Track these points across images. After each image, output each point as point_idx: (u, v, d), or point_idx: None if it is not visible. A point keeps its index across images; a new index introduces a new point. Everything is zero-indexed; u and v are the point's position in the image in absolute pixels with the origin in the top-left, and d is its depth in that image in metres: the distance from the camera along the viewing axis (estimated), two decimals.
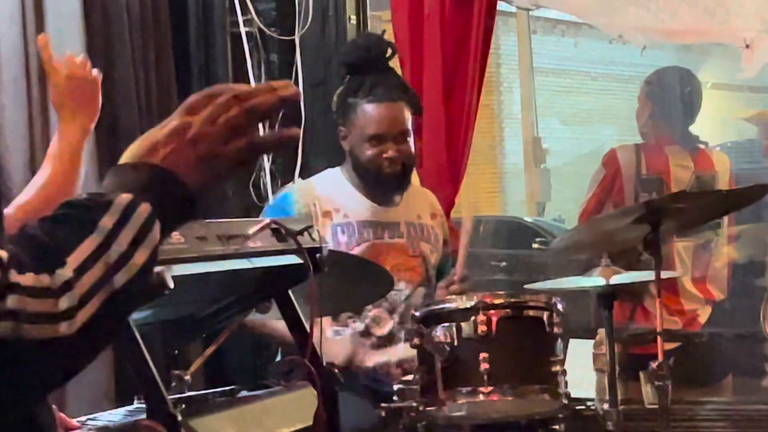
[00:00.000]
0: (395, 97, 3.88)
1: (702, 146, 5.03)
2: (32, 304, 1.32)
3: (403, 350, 3.82)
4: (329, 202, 3.87)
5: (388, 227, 3.90)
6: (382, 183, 3.88)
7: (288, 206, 3.87)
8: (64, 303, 1.34)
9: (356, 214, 3.88)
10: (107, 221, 1.39)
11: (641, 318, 4.79)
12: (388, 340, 3.86)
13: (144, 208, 1.41)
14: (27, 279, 1.32)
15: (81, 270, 1.36)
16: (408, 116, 3.89)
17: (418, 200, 4.07)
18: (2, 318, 1.31)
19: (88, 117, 2.93)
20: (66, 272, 1.35)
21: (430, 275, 3.97)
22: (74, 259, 1.36)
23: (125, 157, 1.47)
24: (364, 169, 3.86)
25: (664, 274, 3.44)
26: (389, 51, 3.98)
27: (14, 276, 1.32)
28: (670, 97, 5.02)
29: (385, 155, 3.81)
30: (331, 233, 3.81)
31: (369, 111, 3.85)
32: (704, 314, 4.97)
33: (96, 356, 1.43)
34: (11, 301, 1.31)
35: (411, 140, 3.89)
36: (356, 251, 3.78)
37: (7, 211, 2.52)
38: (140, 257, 1.41)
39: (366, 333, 3.85)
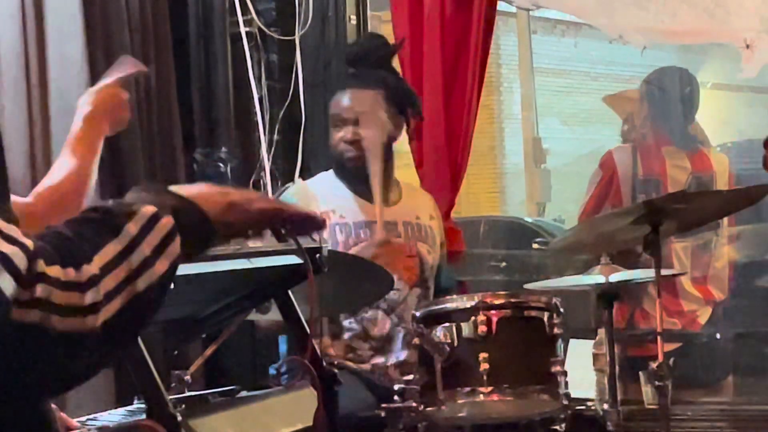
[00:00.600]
0: (365, 86, 3.91)
1: (700, 146, 5.02)
2: (59, 296, 1.34)
3: (401, 352, 3.83)
4: (326, 203, 3.87)
5: (385, 227, 3.90)
6: (347, 171, 3.89)
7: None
8: (89, 297, 1.37)
9: (352, 214, 3.88)
10: (132, 227, 1.45)
11: (640, 320, 4.79)
12: (386, 341, 3.86)
13: (167, 221, 1.48)
14: (54, 270, 1.34)
15: (106, 269, 1.40)
16: (377, 102, 3.87)
17: (418, 201, 4.07)
18: (32, 306, 1.33)
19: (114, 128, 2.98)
20: (92, 268, 1.38)
21: (426, 276, 3.96)
22: (100, 258, 1.40)
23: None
24: (334, 158, 3.90)
25: (664, 272, 3.44)
26: (381, 48, 4.02)
27: (42, 266, 1.33)
28: (668, 97, 5.01)
29: (343, 139, 3.86)
30: (330, 232, 3.81)
31: (337, 97, 3.94)
32: (704, 315, 4.97)
33: (115, 356, 1.46)
34: (40, 290, 1.33)
35: (380, 128, 3.86)
36: (353, 251, 3.79)
37: (26, 200, 2.54)
38: (161, 266, 1.47)
39: (364, 335, 3.85)
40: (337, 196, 3.91)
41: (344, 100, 3.89)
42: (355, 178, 3.90)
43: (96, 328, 1.37)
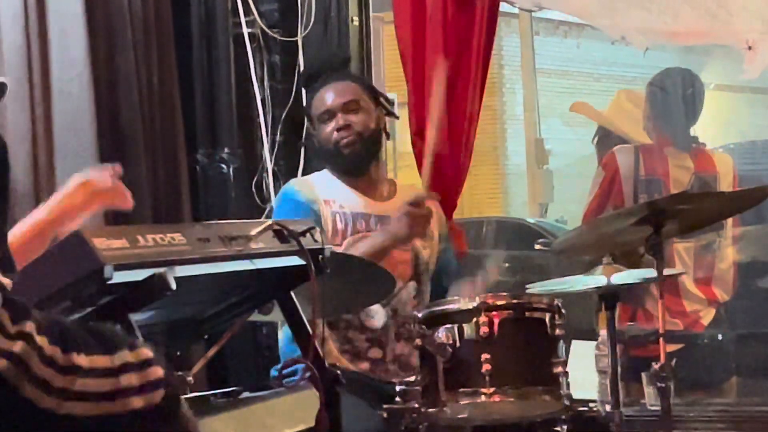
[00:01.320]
0: (343, 78, 4.03)
1: (703, 147, 5.01)
2: (36, 364, 1.33)
3: (396, 344, 3.84)
4: (326, 194, 3.91)
5: (380, 220, 3.92)
6: (344, 160, 3.93)
7: (291, 198, 3.93)
8: (61, 381, 1.35)
9: (350, 206, 3.91)
10: (128, 356, 1.46)
11: (642, 320, 4.79)
12: (382, 333, 3.86)
13: (158, 372, 1.51)
14: (42, 340, 1.33)
15: (93, 372, 1.39)
16: (359, 92, 3.96)
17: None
18: (7, 357, 1.31)
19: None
20: (81, 360, 1.37)
21: (421, 270, 3.97)
22: (90, 360, 1.40)
23: None
24: (328, 154, 3.94)
25: (666, 272, 3.43)
26: (342, 59, 4.25)
27: (31, 328, 1.32)
28: (671, 98, 5.01)
29: (336, 127, 3.90)
30: (331, 220, 3.84)
31: (318, 95, 3.97)
32: (708, 316, 4.96)
33: None
34: (20, 347, 1.32)
35: (366, 113, 3.93)
36: (349, 240, 3.82)
37: None
38: (137, 402, 1.46)
39: (360, 327, 3.86)
40: (334, 188, 3.94)
41: (327, 94, 3.95)
42: (351, 169, 3.95)
43: (54, 412, 1.36)
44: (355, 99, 3.93)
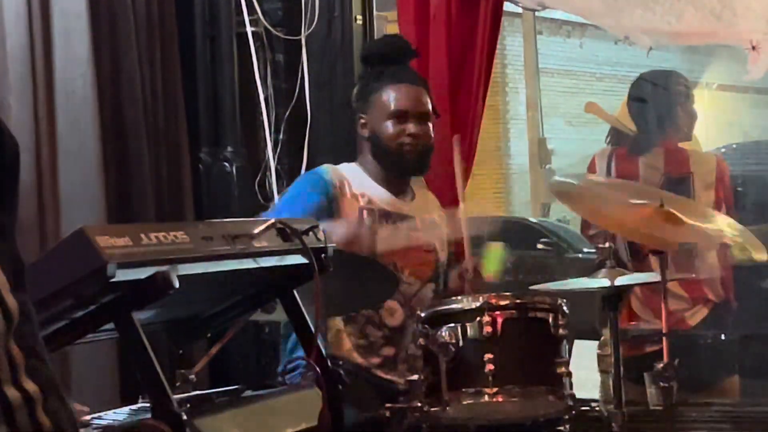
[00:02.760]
0: (418, 83, 4.03)
1: (681, 148, 4.95)
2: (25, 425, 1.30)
3: (410, 345, 3.85)
4: (355, 187, 3.92)
5: (407, 220, 3.95)
6: (401, 163, 3.96)
7: (319, 178, 3.94)
8: None
9: (379, 203, 3.92)
10: None
11: (625, 320, 4.76)
12: (398, 332, 3.88)
13: None
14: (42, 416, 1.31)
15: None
16: (429, 103, 4.00)
17: (427, 199, 4.14)
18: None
19: None
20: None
21: (439, 272, 4.00)
22: None
23: None
24: (385, 150, 3.93)
25: (670, 276, 3.44)
26: (411, 48, 4.15)
27: (37, 396, 1.30)
28: (646, 105, 4.98)
29: (408, 132, 3.91)
30: (358, 213, 3.86)
31: (393, 90, 3.96)
32: (696, 315, 4.92)
33: None
34: (18, 404, 1.29)
35: (431, 126, 3.98)
36: (381, 234, 3.83)
37: None
38: None
39: (379, 323, 3.88)
40: (365, 183, 3.97)
41: (402, 95, 3.96)
42: (404, 172, 4.00)
43: None
44: (428, 111, 3.97)
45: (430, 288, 3.97)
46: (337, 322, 3.81)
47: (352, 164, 4.04)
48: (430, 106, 3.99)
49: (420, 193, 4.09)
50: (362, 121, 4.00)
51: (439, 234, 4.05)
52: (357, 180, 3.97)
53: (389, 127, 3.92)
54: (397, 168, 3.97)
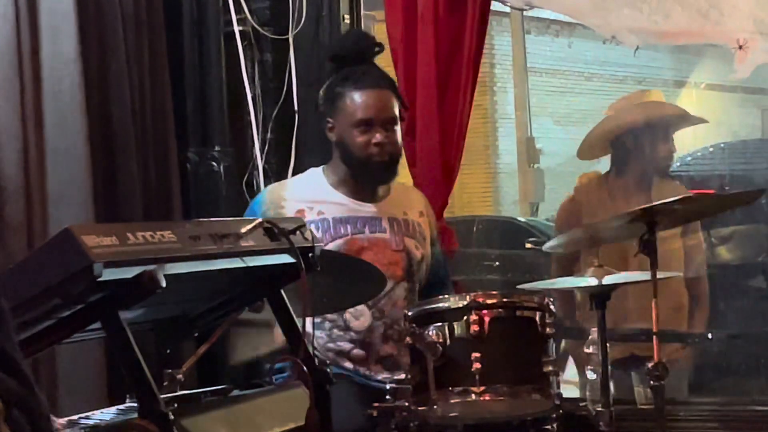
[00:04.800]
0: (383, 85, 3.94)
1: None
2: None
3: (381, 346, 3.84)
4: (302, 202, 3.90)
5: (369, 222, 3.92)
6: (369, 172, 3.91)
7: (255, 202, 3.99)
8: None
9: (332, 210, 3.90)
10: None
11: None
12: (367, 334, 3.86)
13: None
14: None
15: None
16: (395, 106, 3.93)
17: (408, 197, 4.10)
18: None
19: None
20: None
21: (413, 270, 3.97)
22: None
23: None
24: (352, 158, 3.89)
25: (661, 274, 3.43)
26: (376, 46, 4.04)
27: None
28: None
29: (374, 141, 3.85)
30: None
31: (358, 97, 3.89)
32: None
33: None
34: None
35: (398, 131, 3.93)
36: (331, 246, 3.80)
37: None
38: None
39: (345, 327, 3.86)
40: (319, 192, 3.94)
41: (366, 101, 3.89)
42: (373, 180, 3.95)
43: None
44: (394, 116, 3.90)
45: (403, 287, 3.94)
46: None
47: (317, 169, 4.03)
48: (396, 110, 3.91)
49: (400, 190, 4.07)
50: (329, 125, 3.97)
51: (412, 232, 4.01)
52: (310, 191, 3.94)
53: (355, 136, 3.87)
54: (365, 177, 3.93)
